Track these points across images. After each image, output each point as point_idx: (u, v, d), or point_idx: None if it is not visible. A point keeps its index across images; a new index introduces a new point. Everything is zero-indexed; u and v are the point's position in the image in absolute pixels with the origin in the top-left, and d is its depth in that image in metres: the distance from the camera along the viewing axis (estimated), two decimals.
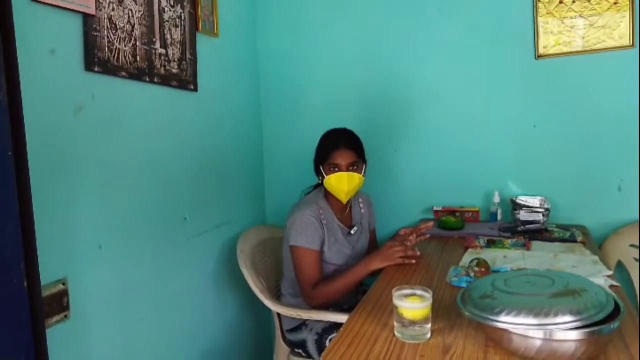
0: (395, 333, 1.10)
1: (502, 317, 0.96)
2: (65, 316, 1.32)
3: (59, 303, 1.31)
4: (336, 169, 1.71)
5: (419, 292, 1.11)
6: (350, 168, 1.72)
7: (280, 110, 2.49)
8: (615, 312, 0.97)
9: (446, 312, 1.20)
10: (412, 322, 1.08)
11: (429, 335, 1.08)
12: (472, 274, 1.41)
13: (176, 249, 1.80)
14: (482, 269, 1.41)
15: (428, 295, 1.09)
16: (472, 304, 1.03)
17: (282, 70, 2.47)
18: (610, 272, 1.42)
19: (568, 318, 0.92)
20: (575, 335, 0.92)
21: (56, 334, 1.26)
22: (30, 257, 0.95)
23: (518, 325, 0.94)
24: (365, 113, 2.32)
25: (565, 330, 0.92)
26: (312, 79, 2.42)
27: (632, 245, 1.91)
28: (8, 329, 0.88)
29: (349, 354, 1.02)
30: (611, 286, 1.32)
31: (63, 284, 1.32)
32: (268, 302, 1.75)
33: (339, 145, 1.73)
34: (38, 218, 1.19)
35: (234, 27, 2.26)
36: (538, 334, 0.94)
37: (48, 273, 1.25)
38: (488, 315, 0.98)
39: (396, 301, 1.09)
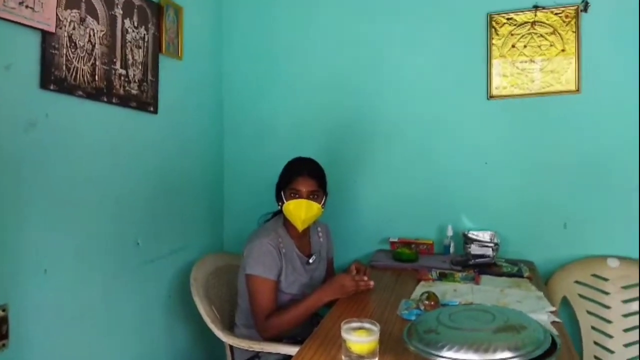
0: None
1: (445, 353, 0.97)
2: (4, 345, 1.26)
3: None
4: (296, 196, 1.72)
5: (367, 325, 1.12)
6: (311, 196, 1.73)
7: (243, 136, 2.49)
8: (553, 348, 1.01)
9: (394, 345, 1.20)
10: (360, 356, 1.08)
11: None
12: (422, 307, 1.43)
13: (128, 275, 1.75)
14: (432, 303, 1.43)
15: (376, 329, 1.10)
16: (418, 339, 1.04)
17: (246, 94, 2.48)
18: (554, 309, 1.47)
19: (507, 354, 0.95)
20: None
21: None
22: None
23: None
24: (328, 142, 2.35)
25: None
26: (277, 105, 2.45)
27: (577, 282, 1.98)
28: None
29: None
30: (553, 322, 1.37)
31: (3, 310, 1.26)
32: (219, 333, 1.71)
33: (302, 172, 1.74)
34: None
35: (199, 50, 2.27)
36: None
37: None
38: (431, 350, 0.99)
39: (344, 335, 1.10)
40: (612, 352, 1.90)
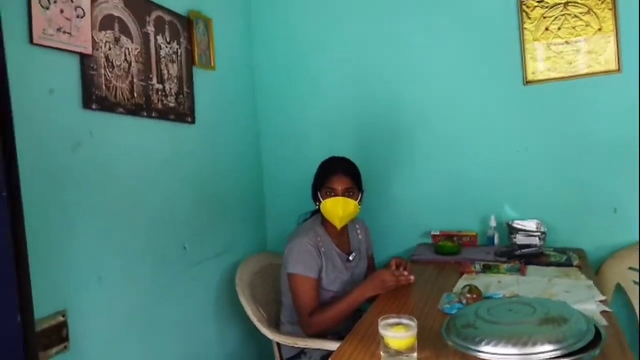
0: None
1: (483, 347, 0.97)
2: (65, 347, 1.35)
3: (59, 334, 1.33)
4: (332, 194, 1.75)
5: (404, 321, 1.12)
6: (346, 194, 1.75)
7: (279, 139, 2.54)
8: (597, 339, 0.98)
9: (434, 340, 1.20)
10: (398, 352, 1.09)
11: None
12: (463, 301, 1.42)
13: (176, 278, 1.83)
14: (474, 296, 1.42)
15: (413, 324, 1.10)
16: (455, 333, 1.05)
17: (279, 100, 2.52)
18: (603, 298, 1.41)
19: (547, 347, 0.93)
20: None
21: None
22: (25, 294, 0.98)
23: (498, 355, 0.95)
24: (363, 140, 2.35)
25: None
26: (309, 106, 2.47)
27: (631, 268, 1.89)
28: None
29: None
30: (603, 312, 1.32)
31: (63, 315, 1.35)
32: (266, 331, 1.76)
33: (337, 171, 1.77)
34: (37, 253, 1.24)
35: (231, 59, 2.32)
36: None
37: (47, 305, 1.29)
38: (469, 345, 0.99)
39: (382, 331, 1.10)
40: None
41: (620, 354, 1.08)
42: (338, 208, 1.74)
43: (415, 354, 1.10)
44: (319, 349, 1.70)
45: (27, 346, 0.97)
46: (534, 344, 0.93)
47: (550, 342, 0.93)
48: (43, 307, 1.27)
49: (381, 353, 1.12)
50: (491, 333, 0.99)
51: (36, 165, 1.28)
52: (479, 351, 0.97)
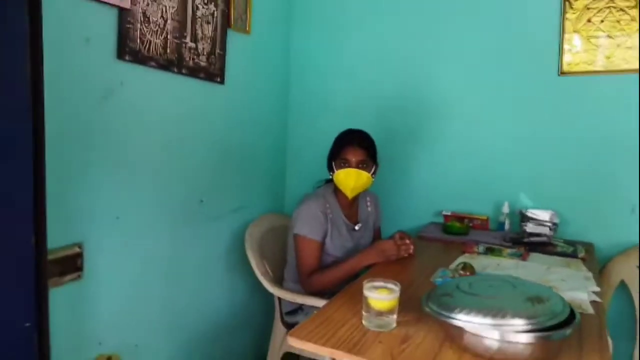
0: (363, 321, 1.18)
1: (457, 315, 1.02)
2: (79, 276, 1.47)
3: (74, 264, 1.45)
4: (346, 165, 1.80)
5: (389, 285, 1.18)
6: (360, 166, 1.80)
7: (307, 106, 2.60)
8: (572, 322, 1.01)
9: (416, 307, 1.24)
10: (379, 313, 1.16)
11: (393, 326, 1.16)
12: (456, 277, 1.46)
13: (191, 229, 1.94)
14: (467, 273, 1.46)
15: (396, 288, 1.16)
16: (433, 301, 1.10)
17: (312, 69, 2.57)
18: (598, 289, 1.42)
19: (519, 321, 0.97)
20: (525, 338, 0.97)
21: (68, 291, 1.42)
22: (40, 218, 1.07)
23: (471, 323, 1.00)
24: (386, 116, 2.38)
25: (517, 333, 0.97)
26: (340, 79, 2.51)
27: (638, 267, 1.88)
28: (14, 283, 1.00)
29: (314, 334, 1.11)
30: (593, 302, 1.34)
31: (79, 247, 1.47)
32: (268, 285, 1.86)
33: (352, 143, 1.82)
34: (60, 186, 1.37)
35: (267, 25, 2.38)
36: (491, 334, 0.99)
37: (65, 236, 1.41)
38: (444, 312, 1.04)
39: (366, 292, 1.17)
40: None
41: (597, 341, 1.12)
42: (350, 179, 1.79)
43: (394, 316, 1.16)
44: (315, 307, 1.79)
45: (39, 267, 1.07)
46: (506, 316, 0.97)
47: (522, 316, 0.97)
48: (61, 237, 1.38)
49: (363, 312, 1.19)
50: (467, 303, 1.03)
51: (68, 108, 1.39)
52: (453, 318, 1.01)
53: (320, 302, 1.71)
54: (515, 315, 0.98)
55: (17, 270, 0.99)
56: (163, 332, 1.83)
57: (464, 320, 1.01)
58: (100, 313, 1.55)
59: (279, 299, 1.91)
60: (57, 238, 1.35)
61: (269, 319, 2.08)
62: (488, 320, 0.99)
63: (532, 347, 0.97)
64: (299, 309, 1.87)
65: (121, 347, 1.63)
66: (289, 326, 1.91)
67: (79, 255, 1.45)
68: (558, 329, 0.98)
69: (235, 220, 2.20)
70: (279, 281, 1.95)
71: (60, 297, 1.39)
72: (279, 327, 1.95)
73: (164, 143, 1.78)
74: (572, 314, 1.03)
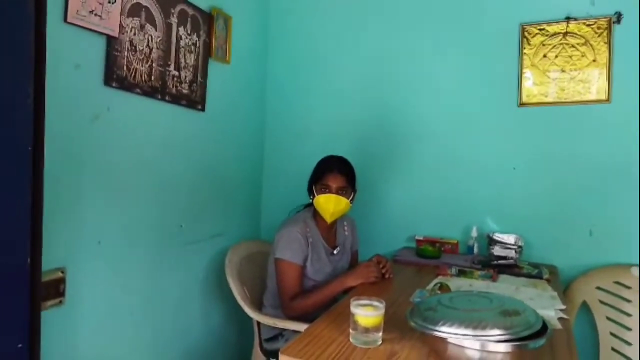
0: (350, 339, 1.22)
1: (441, 327, 1.09)
2: (60, 302, 1.46)
3: (56, 289, 1.44)
4: (326, 190, 1.86)
5: (374, 303, 1.24)
6: (340, 192, 1.86)
7: (283, 132, 2.68)
8: (544, 332, 1.09)
9: (401, 326, 1.30)
10: (366, 329, 1.20)
11: (379, 342, 1.20)
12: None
13: (170, 254, 1.95)
14: (444, 292, 1.53)
15: (381, 305, 1.22)
16: (418, 316, 1.16)
17: (288, 94, 2.67)
18: (564, 307, 1.52)
19: (497, 332, 1.05)
20: (504, 347, 1.04)
21: (50, 317, 1.40)
22: (36, 240, 1.09)
23: (454, 334, 1.07)
24: (361, 143, 2.48)
25: (496, 343, 1.05)
26: (315, 105, 2.61)
27: (598, 288, 2.00)
28: (9, 303, 1.00)
29: (304, 352, 1.15)
30: (560, 318, 1.43)
31: (62, 272, 1.46)
32: (248, 310, 1.87)
33: (333, 169, 1.89)
34: (45, 208, 1.36)
35: (246, 54, 2.47)
36: (472, 344, 1.06)
37: (49, 260, 1.38)
38: (429, 325, 1.11)
39: (353, 308, 1.22)
40: (629, 359, 1.91)
41: (567, 352, 1.20)
42: (330, 204, 1.85)
43: (380, 334, 1.21)
44: (296, 332, 1.81)
45: (33, 288, 1.08)
46: (486, 327, 1.05)
47: (500, 327, 1.05)
48: (44, 261, 1.36)
49: (350, 330, 1.23)
50: (449, 316, 1.10)
51: (56, 131, 1.40)
52: (437, 330, 1.08)
53: (301, 327, 1.74)
54: (494, 326, 1.06)
55: (11, 291, 0.99)
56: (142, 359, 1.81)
57: (448, 332, 1.07)
58: (80, 340, 1.53)
59: (259, 325, 1.92)
60: None
61: (247, 347, 2.07)
62: (469, 332, 1.06)
63: (510, 357, 1.05)
64: (279, 335, 1.88)
65: None
66: (268, 354, 1.92)
67: (62, 281, 1.44)
68: (533, 339, 1.06)
69: (213, 247, 2.22)
70: (257, 307, 1.96)
71: (42, 323, 1.36)
72: (258, 355, 1.95)
73: (146, 168, 1.80)
74: (544, 325, 1.12)
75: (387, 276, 1.80)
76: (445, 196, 2.34)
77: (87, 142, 1.54)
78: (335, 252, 1.97)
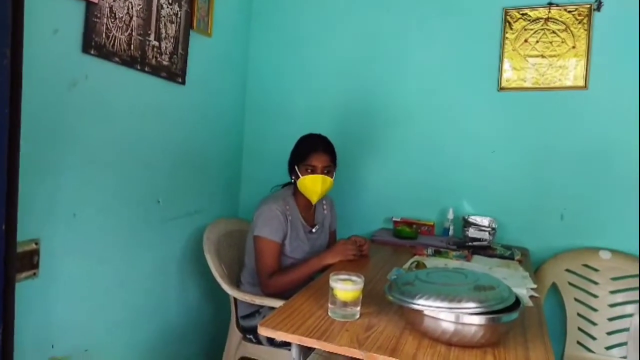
0: (329, 312, 1.24)
1: (418, 300, 1.11)
2: (34, 274, 1.42)
3: (30, 261, 1.40)
4: (312, 171, 1.85)
5: (353, 277, 1.25)
6: (325, 171, 1.86)
7: (263, 111, 2.65)
8: (517, 306, 1.12)
9: (378, 301, 1.34)
10: (344, 303, 1.22)
11: (357, 316, 1.23)
12: None
13: (147, 229, 1.92)
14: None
15: (360, 280, 1.24)
16: (396, 290, 1.18)
17: (269, 73, 2.64)
18: (535, 286, 1.57)
19: (472, 305, 1.07)
20: (478, 320, 1.07)
21: (23, 290, 1.36)
22: (11, 209, 1.06)
23: (430, 307, 1.09)
24: (342, 123, 2.49)
25: (470, 315, 1.07)
26: (296, 85, 2.59)
27: (567, 270, 2.07)
28: None
29: (283, 325, 1.16)
30: (531, 297, 1.48)
31: (36, 243, 1.42)
32: (226, 287, 1.87)
33: (318, 149, 1.86)
34: (20, 178, 1.32)
35: (228, 28, 2.42)
36: (448, 317, 1.08)
37: (23, 231, 1.35)
38: (407, 299, 1.13)
39: (332, 283, 1.23)
40: (594, 338, 1.99)
41: (538, 328, 1.25)
42: (317, 185, 1.84)
43: (358, 308, 1.23)
44: (273, 309, 1.82)
45: (8, 258, 1.06)
46: (461, 300, 1.07)
47: (474, 300, 1.07)
48: (18, 232, 1.34)
49: (329, 304, 1.25)
50: (426, 290, 1.12)
51: (33, 95, 1.35)
52: (414, 303, 1.10)
53: (278, 304, 1.74)
54: (469, 299, 1.08)
55: None
56: (116, 335, 1.79)
57: (424, 304, 1.09)
58: (54, 314, 1.50)
59: (235, 303, 1.92)
60: None
61: (224, 324, 2.08)
62: (445, 304, 1.08)
63: (484, 329, 1.07)
64: (256, 312, 1.89)
65: (73, 350, 1.58)
66: (245, 330, 1.92)
67: (36, 252, 1.40)
68: (506, 312, 1.09)
69: (191, 223, 2.20)
70: (235, 285, 1.96)
71: (15, 295, 1.33)
72: (234, 332, 1.95)
73: (124, 140, 1.76)
74: (517, 301, 1.15)
75: (364, 253, 1.82)
76: (423, 179, 2.37)
77: (64, 110, 1.49)
78: (314, 230, 1.98)
